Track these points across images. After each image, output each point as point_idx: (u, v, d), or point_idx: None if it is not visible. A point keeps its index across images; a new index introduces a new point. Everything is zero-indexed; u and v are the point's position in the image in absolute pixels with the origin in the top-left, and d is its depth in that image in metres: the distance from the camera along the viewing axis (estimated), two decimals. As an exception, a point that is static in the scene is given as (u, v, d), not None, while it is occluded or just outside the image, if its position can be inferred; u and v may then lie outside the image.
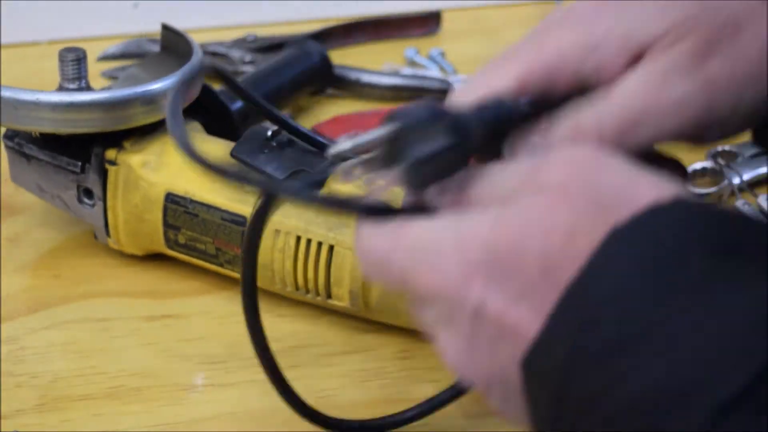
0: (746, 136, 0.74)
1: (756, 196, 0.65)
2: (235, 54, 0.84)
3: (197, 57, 0.62)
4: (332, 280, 0.56)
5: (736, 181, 0.68)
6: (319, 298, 0.57)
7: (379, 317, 0.57)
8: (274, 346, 0.56)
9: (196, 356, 0.56)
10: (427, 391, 0.53)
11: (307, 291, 0.57)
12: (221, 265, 0.59)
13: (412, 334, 0.55)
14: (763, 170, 0.69)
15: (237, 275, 0.56)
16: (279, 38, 0.87)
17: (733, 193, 0.68)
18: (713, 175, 0.70)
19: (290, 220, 0.56)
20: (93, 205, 0.61)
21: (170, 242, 0.60)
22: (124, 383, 0.54)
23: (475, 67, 0.84)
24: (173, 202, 0.59)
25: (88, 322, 0.59)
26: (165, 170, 0.60)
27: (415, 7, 0.91)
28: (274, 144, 0.58)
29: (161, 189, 0.59)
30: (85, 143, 0.60)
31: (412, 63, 0.86)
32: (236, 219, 0.57)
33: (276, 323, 0.58)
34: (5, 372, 0.55)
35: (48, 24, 0.89)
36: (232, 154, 0.58)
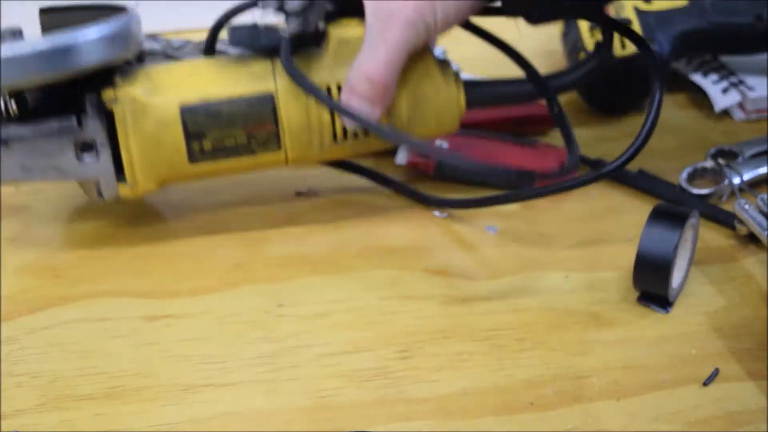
0: (746, 136, 0.74)
1: (756, 196, 0.65)
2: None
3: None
4: None
5: (736, 181, 0.68)
6: (357, 140, 0.64)
7: (410, 128, 0.64)
8: (274, 345, 0.57)
9: (196, 356, 0.56)
10: (427, 391, 0.53)
11: (345, 137, 0.64)
12: (253, 152, 0.63)
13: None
14: (763, 170, 0.69)
15: (271, 157, 0.63)
16: (279, 37, 0.87)
17: (733, 193, 0.68)
18: (713, 175, 0.70)
19: (315, 75, 0.62)
20: (97, 156, 0.61)
21: (194, 154, 0.62)
22: (124, 383, 0.54)
23: (475, 67, 0.85)
24: (190, 112, 0.62)
25: (88, 322, 0.59)
26: (167, 90, 0.62)
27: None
28: None
29: (174, 106, 0.62)
30: (67, 99, 0.60)
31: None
32: (263, 98, 0.62)
33: (276, 323, 0.58)
34: (5, 372, 0.55)
35: (48, 24, 0.89)
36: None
